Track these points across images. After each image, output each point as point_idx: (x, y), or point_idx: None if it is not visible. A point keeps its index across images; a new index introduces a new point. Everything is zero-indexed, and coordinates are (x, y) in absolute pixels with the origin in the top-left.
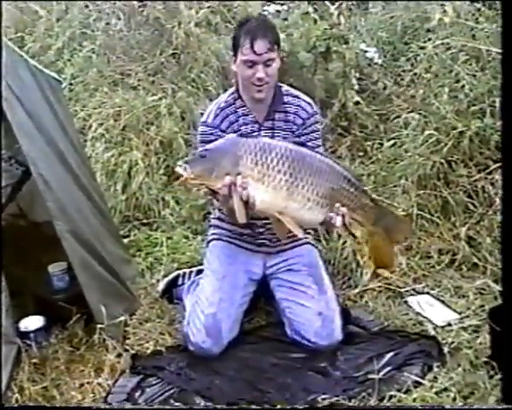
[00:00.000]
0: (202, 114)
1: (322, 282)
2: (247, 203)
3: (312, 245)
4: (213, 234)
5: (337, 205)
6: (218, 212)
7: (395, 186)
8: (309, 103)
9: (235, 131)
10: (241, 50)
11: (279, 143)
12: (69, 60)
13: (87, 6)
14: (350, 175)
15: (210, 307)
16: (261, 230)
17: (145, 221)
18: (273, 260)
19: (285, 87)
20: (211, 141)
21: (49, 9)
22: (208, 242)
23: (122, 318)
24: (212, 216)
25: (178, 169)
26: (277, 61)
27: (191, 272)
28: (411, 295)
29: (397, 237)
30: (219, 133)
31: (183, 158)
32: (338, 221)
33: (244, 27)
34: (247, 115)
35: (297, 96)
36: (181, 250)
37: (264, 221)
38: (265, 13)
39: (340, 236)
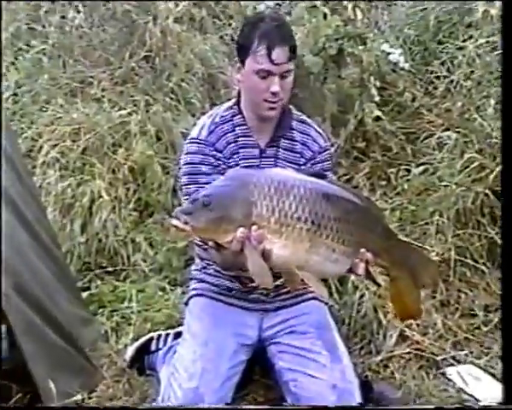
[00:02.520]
0: (184, 133)
1: (336, 347)
2: None
3: (321, 300)
4: (194, 289)
5: (362, 250)
6: (202, 261)
7: (427, 224)
8: (321, 134)
9: (232, 154)
10: (255, 57)
11: (295, 178)
12: (13, 63)
13: None
14: (375, 211)
15: (190, 380)
16: (254, 284)
17: (110, 269)
18: (271, 320)
19: (294, 110)
20: (203, 163)
21: None
22: (188, 299)
23: (78, 396)
24: (193, 267)
25: (176, 222)
26: (293, 73)
27: (168, 335)
28: (450, 364)
29: (424, 280)
30: (214, 153)
31: (159, 190)
32: (360, 269)
33: (258, 28)
34: (246, 137)
35: (307, 123)
36: (155, 306)
37: None
38: (262, 6)
39: (356, 288)
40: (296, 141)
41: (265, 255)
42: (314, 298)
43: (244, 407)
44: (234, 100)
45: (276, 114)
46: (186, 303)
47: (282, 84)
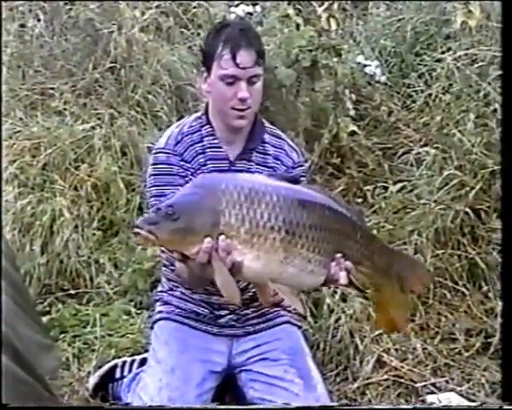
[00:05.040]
0: (150, 148)
1: (309, 374)
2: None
3: (293, 324)
4: (160, 312)
5: (338, 255)
6: (169, 282)
7: (405, 243)
8: (295, 149)
9: (200, 166)
10: (219, 63)
11: (267, 184)
12: None
13: None
14: (354, 216)
15: None
16: (223, 312)
17: (72, 292)
18: (242, 346)
19: (267, 123)
20: (171, 174)
21: None
22: (154, 322)
23: None
24: (159, 288)
25: (140, 232)
26: (262, 78)
27: (133, 361)
28: (431, 392)
29: (412, 286)
30: (182, 163)
31: (124, 208)
32: (342, 278)
33: (223, 33)
34: (215, 148)
35: (280, 137)
36: (120, 331)
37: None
38: (233, 15)
39: (332, 311)
40: (269, 155)
41: (235, 268)
42: (287, 322)
43: (228, 406)
44: (202, 110)
45: (246, 124)
46: (151, 327)
47: (250, 90)
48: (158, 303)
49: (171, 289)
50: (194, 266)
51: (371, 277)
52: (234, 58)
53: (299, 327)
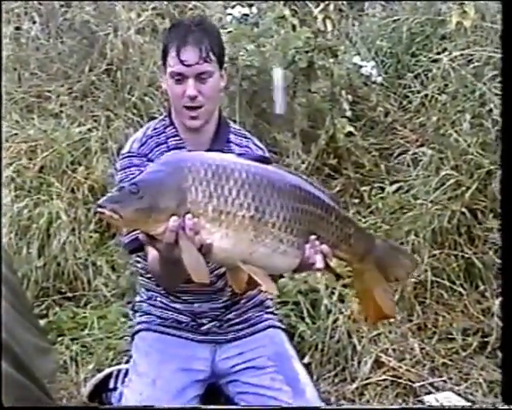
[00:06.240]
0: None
1: (297, 378)
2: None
3: (276, 326)
4: (140, 323)
5: (312, 237)
6: (148, 292)
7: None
8: (260, 147)
9: None
10: (168, 60)
11: (236, 162)
12: None
13: None
14: (328, 199)
15: None
16: (205, 320)
17: (70, 295)
18: (225, 352)
19: (232, 123)
20: (135, 176)
21: None
22: (134, 334)
23: None
24: (137, 298)
25: (103, 211)
26: (217, 76)
27: (127, 371)
28: (429, 392)
29: (395, 273)
30: (147, 163)
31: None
32: (318, 262)
33: (173, 30)
34: (179, 148)
35: (245, 136)
36: (118, 333)
37: (211, 304)
38: (229, 17)
39: (329, 312)
40: (235, 154)
41: (204, 248)
42: (270, 326)
43: (221, 406)
44: (166, 111)
45: (199, 123)
46: (132, 338)
47: (199, 87)
48: (137, 314)
49: (150, 298)
50: (162, 248)
51: (349, 262)
52: (178, 55)
53: (283, 329)
